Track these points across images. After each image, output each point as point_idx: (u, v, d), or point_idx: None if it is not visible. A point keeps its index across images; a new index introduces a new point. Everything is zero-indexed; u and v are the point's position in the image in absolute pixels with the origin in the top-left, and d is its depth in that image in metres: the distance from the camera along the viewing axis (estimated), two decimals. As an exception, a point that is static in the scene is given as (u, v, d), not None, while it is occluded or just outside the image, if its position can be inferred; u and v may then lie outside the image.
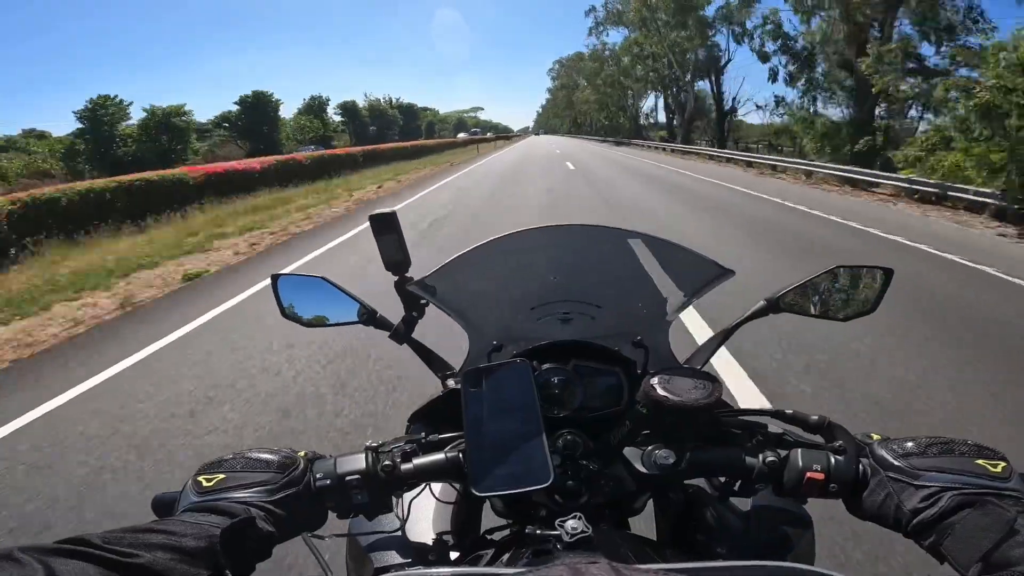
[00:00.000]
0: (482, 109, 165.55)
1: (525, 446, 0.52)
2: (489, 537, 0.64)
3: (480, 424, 0.54)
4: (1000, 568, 0.37)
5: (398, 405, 2.57)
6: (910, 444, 0.47)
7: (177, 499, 0.49)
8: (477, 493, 0.51)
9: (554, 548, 0.48)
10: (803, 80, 20.05)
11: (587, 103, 50.93)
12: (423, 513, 0.65)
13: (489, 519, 0.67)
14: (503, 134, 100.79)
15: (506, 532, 0.63)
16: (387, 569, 0.60)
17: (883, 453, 0.48)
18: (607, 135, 47.52)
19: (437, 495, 0.66)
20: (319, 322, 0.77)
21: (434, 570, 0.46)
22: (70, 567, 0.32)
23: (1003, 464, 0.44)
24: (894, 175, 10.34)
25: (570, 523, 0.48)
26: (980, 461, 0.44)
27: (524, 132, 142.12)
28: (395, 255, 0.69)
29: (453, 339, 0.80)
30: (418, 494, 0.62)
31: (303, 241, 7.32)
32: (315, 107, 56.66)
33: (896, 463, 0.46)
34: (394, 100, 73.47)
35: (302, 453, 0.53)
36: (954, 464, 0.44)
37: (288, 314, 0.77)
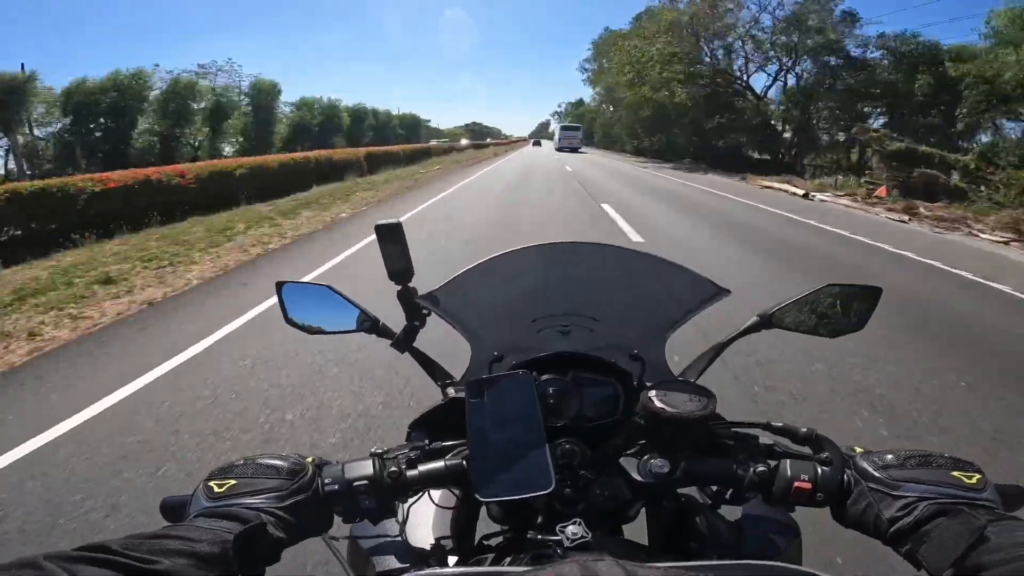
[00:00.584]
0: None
1: (527, 454, 0.54)
2: (487, 543, 0.66)
3: (483, 432, 0.56)
4: (971, 573, 0.39)
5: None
6: (890, 456, 0.50)
7: (187, 503, 0.50)
8: (481, 499, 0.53)
9: (554, 552, 0.49)
10: None
11: (661, 93, 23.60)
12: (423, 519, 0.67)
13: (485, 527, 0.69)
14: (499, 140, 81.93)
15: (503, 538, 0.64)
16: (389, 574, 0.62)
17: (865, 465, 0.50)
18: (696, 159, 25.29)
19: (436, 501, 0.67)
20: (322, 329, 0.78)
21: (446, 570, 0.47)
22: (92, 574, 0.33)
23: (978, 476, 0.47)
24: None
25: (570, 528, 0.50)
26: (956, 473, 0.47)
27: (537, 137, 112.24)
28: (399, 265, 0.71)
29: (453, 349, 0.81)
30: (417, 500, 0.63)
31: None
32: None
33: (876, 474, 0.49)
34: (330, 100, 45.47)
35: (310, 459, 0.55)
36: (931, 476, 0.47)
37: (292, 321, 0.79)
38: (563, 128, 46.23)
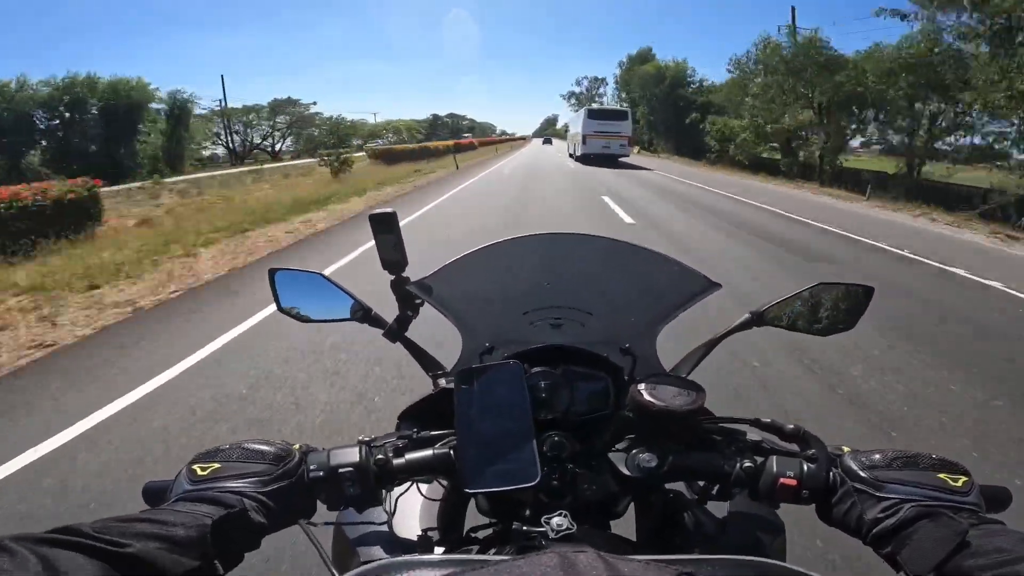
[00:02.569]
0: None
1: (515, 445, 0.54)
2: (473, 535, 0.66)
3: (471, 422, 0.56)
4: None
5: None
6: (877, 456, 0.50)
7: (169, 487, 0.50)
8: (467, 490, 0.53)
9: (539, 544, 0.49)
10: None
11: None
12: (410, 509, 0.67)
13: (472, 519, 0.69)
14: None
15: (490, 530, 0.65)
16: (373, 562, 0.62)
17: (851, 464, 0.50)
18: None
19: (424, 492, 0.67)
20: (314, 317, 0.78)
21: (427, 556, 0.47)
22: (61, 556, 0.33)
23: (964, 479, 0.46)
24: None
25: (555, 520, 0.50)
26: (942, 475, 0.46)
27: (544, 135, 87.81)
28: (392, 255, 0.71)
29: (445, 341, 0.79)
30: (405, 490, 0.63)
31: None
32: None
33: (862, 474, 0.49)
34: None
35: (296, 446, 0.54)
36: (916, 477, 0.47)
37: (284, 308, 0.79)
38: (592, 115, 23.02)
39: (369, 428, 2.40)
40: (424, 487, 0.67)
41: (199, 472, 0.48)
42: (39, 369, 3.18)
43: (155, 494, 0.51)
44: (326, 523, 0.61)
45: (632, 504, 0.69)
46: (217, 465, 0.49)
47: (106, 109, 27.71)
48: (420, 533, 0.64)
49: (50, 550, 0.33)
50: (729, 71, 24.23)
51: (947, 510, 0.43)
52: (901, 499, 0.45)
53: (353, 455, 0.55)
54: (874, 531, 0.45)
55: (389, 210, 0.70)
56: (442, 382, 0.74)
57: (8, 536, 0.33)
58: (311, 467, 0.53)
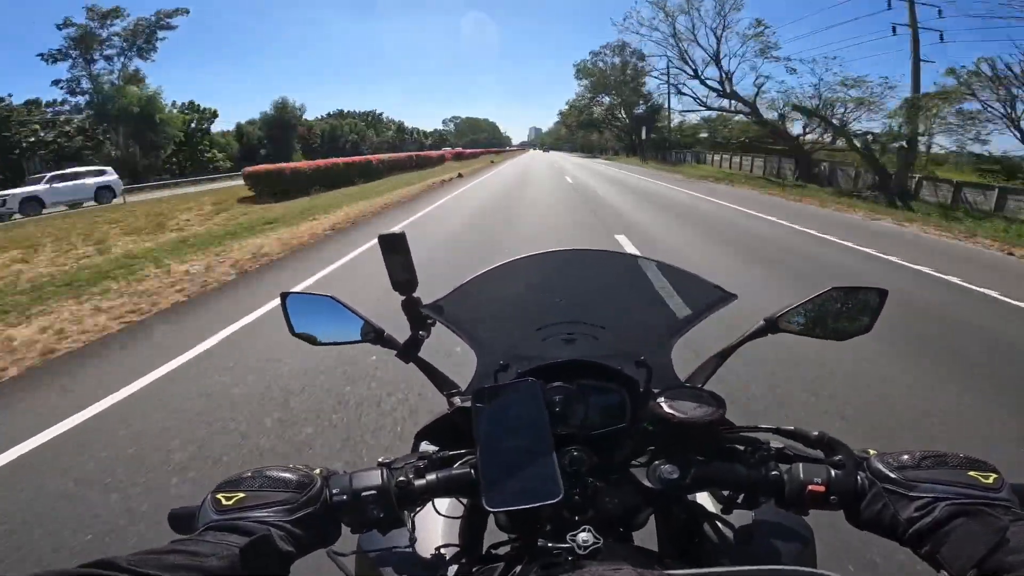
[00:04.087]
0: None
1: (535, 463, 0.54)
2: (495, 552, 0.65)
3: (491, 441, 0.56)
4: (993, 574, 0.39)
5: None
6: (905, 457, 0.50)
7: (195, 515, 0.50)
8: (489, 508, 0.53)
9: (565, 560, 0.49)
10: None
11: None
12: (431, 529, 0.66)
13: (492, 535, 0.68)
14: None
15: (511, 546, 0.64)
16: None
17: (879, 466, 0.50)
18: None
19: (444, 511, 0.67)
20: (327, 340, 0.78)
21: None
22: None
23: (994, 476, 0.46)
24: None
25: (581, 536, 0.50)
26: (972, 473, 0.46)
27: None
28: (403, 275, 0.71)
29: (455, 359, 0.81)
30: (426, 510, 0.63)
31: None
32: None
33: (892, 475, 0.49)
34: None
35: (317, 471, 0.54)
36: (947, 476, 0.47)
37: (296, 332, 0.78)
38: None
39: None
40: (444, 506, 0.67)
41: (224, 502, 0.48)
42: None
43: (181, 521, 0.52)
44: (352, 553, 0.60)
45: (653, 516, 0.68)
46: (242, 495, 0.49)
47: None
48: (442, 552, 0.63)
49: None
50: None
51: (983, 507, 0.43)
52: (935, 498, 0.45)
53: (375, 478, 0.55)
54: (911, 531, 0.45)
55: (398, 231, 0.70)
56: (457, 401, 0.73)
57: (47, 571, 0.33)
58: (333, 491, 0.53)
